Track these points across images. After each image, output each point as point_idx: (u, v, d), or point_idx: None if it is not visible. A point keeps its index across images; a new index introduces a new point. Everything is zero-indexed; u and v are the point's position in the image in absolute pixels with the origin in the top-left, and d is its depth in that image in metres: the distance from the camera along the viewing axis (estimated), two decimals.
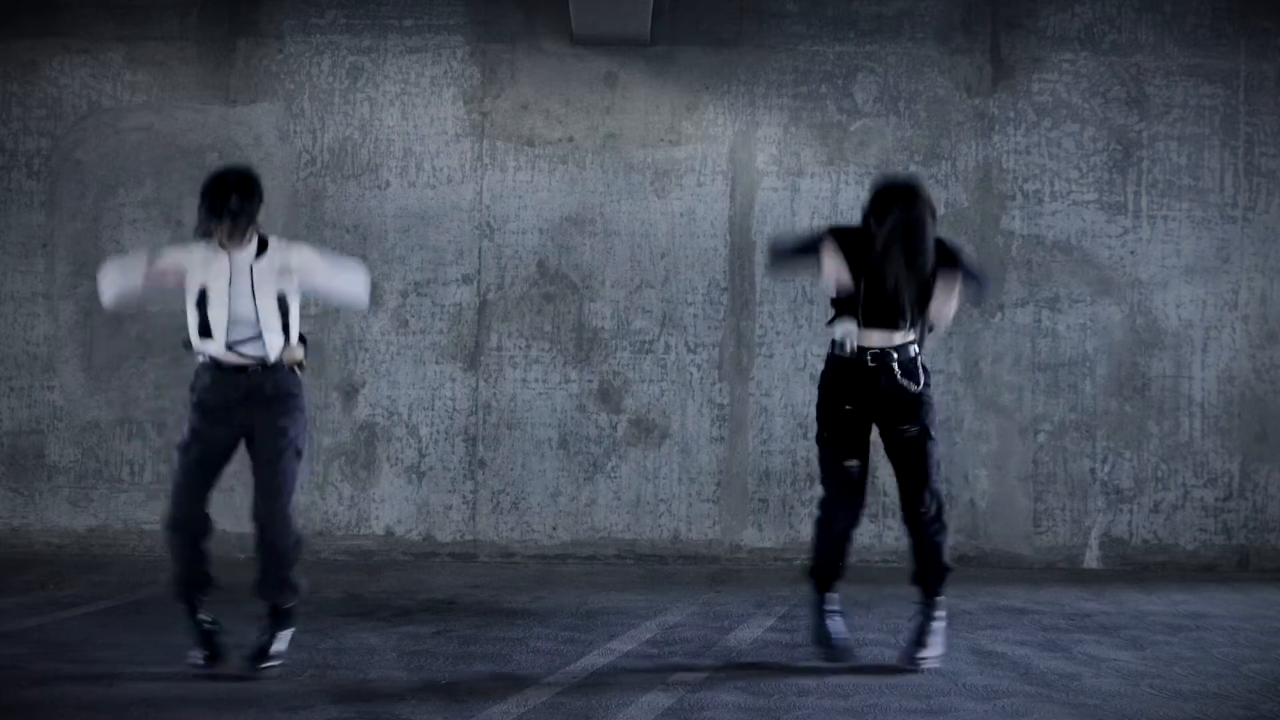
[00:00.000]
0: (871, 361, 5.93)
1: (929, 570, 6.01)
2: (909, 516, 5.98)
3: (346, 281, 5.95)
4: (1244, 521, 8.93)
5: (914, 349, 6.01)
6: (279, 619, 5.72)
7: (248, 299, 5.58)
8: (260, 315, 5.58)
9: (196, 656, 5.61)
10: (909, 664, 5.85)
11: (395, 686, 5.38)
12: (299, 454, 5.70)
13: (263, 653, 5.63)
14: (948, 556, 6.03)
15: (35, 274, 9.10)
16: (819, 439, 6.07)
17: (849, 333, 5.96)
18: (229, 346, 5.58)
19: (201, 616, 5.68)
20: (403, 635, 6.41)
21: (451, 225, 9.04)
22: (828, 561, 6.09)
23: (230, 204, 5.54)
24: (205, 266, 5.60)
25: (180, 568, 5.67)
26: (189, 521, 5.61)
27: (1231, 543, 8.92)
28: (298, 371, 5.71)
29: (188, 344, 5.69)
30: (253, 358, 5.61)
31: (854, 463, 5.98)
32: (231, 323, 5.58)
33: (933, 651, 5.92)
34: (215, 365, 5.63)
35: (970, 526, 8.92)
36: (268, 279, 5.61)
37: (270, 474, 5.62)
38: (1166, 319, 8.98)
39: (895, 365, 5.92)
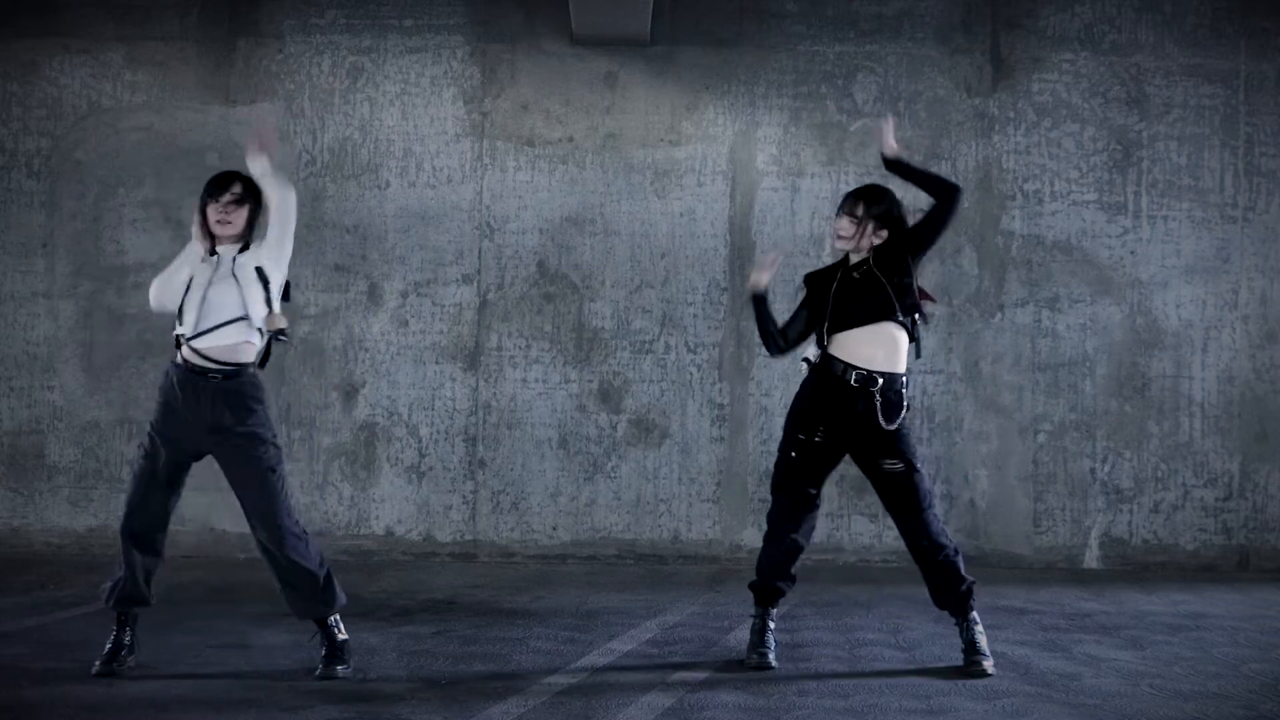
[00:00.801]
0: (855, 382, 5.81)
1: (952, 595, 5.85)
2: (913, 549, 5.86)
3: (284, 214, 5.79)
4: (1244, 521, 8.93)
5: (903, 380, 5.86)
6: (327, 628, 5.67)
7: (230, 285, 5.58)
8: (245, 300, 5.58)
9: (98, 665, 5.54)
10: (977, 672, 5.72)
11: (395, 686, 5.38)
12: (273, 469, 5.62)
13: (335, 655, 5.60)
14: (965, 571, 5.87)
15: (35, 274, 9.10)
16: (783, 454, 5.94)
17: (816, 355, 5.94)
18: (191, 339, 5.55)
19: (129, 634, 5.64)
20: (403, 635, 6.41)
21: (451, 225, 9.04)
22: (774, 576, 5.94)
23: (234, 186, 5.64)
24: (195, 259, 5.65)
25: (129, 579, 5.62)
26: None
27: (1231, 543, 8.92)
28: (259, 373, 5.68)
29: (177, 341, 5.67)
30: (218, 363, 5.57)
31: (813, 490, 5.91)
32: (207, 311, 5.55)
33: (989, 656, 5.82)
34: (183, 366, 5.59)
35: (970, 526, 8.92)
36: (246, 266, 5.64)
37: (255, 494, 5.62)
38: (1166, 319, 8.98)
39: (877, 394, 5.77)
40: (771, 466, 8.96)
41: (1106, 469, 8.94)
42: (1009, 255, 9.00)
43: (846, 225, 5.95)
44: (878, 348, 5.83)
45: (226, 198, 5.65)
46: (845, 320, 5.87)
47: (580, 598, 7.56)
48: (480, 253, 9.04)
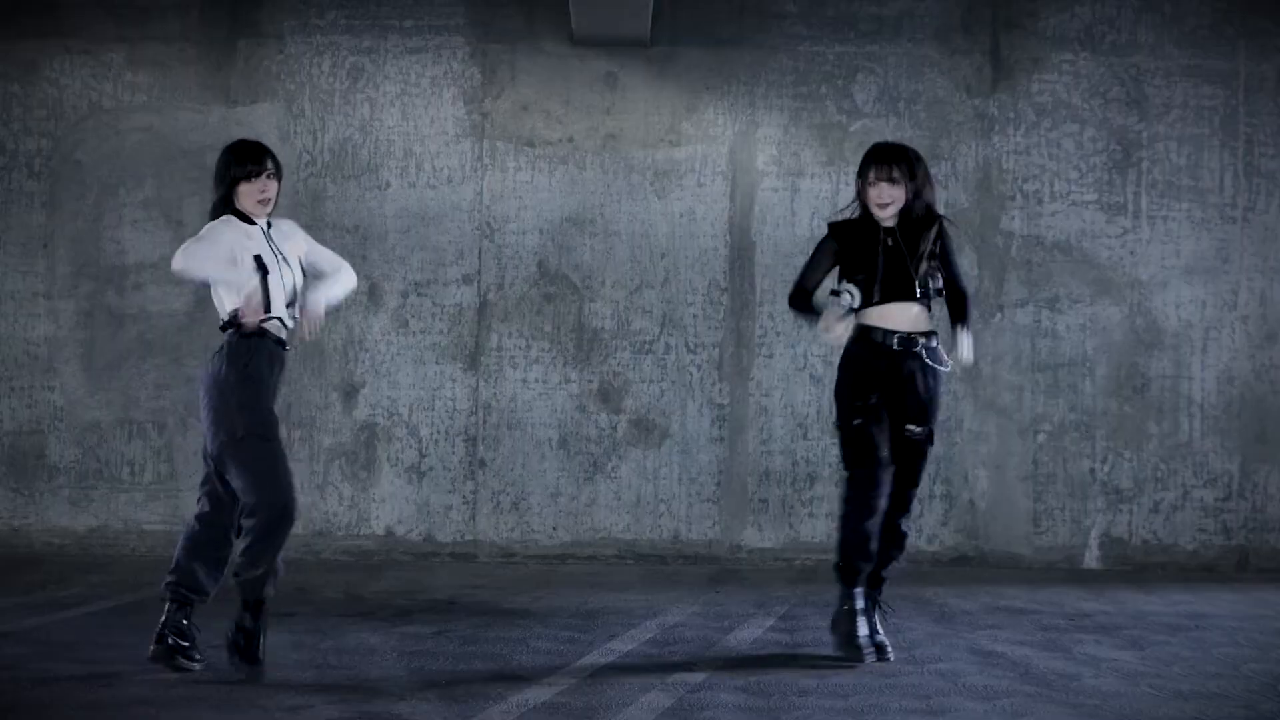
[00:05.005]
0: (898, 345, 5.84)
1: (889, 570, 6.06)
2: (889, 521, 5.93)
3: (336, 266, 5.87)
4: (1244, 521, 8.93)
5: (935, 339, 5.95)
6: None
7: (288, 266, 5.59)
8: (298, 280, 5.61)
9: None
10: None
11: (395, 686, 5.38)
12: None
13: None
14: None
15: (35, 274, 9.10)
16: (846, 425, 5.87)
17: (850, 290, 5.84)
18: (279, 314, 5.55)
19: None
20: (403, 635, 6.42)
21: (452, 225, 9.05)
22: (860, 556, 5.88)
23: (275, 157, 5.58)
24: (247, 236, 5.54)
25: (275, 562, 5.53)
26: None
27: (1231, 543, 8.93)
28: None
29: (233, 324, 5.48)
30: (288, 331, 5.63)
31: (886, 454, 5.89)
32: (288, 284, 5.57)
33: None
34: (270, 339, 5.54)
35: (970, 526, 8.92)
36: (287, 246, 5.63)
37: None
38: (1166, 319, 8.99)
39: (924, 355, 5.84)
40: (771, 467, 9.04)
41: (1106, 469, 8.94)
42: (1009, 255, 9.00)
43: (888, 191, 5.92)
44: (913, 312, 5.88)
45: (267, 170, 5.56)
46: (891, 293, 5.86)
47: (580, 598, 7.56)
48: (480, 253, 9.05)
